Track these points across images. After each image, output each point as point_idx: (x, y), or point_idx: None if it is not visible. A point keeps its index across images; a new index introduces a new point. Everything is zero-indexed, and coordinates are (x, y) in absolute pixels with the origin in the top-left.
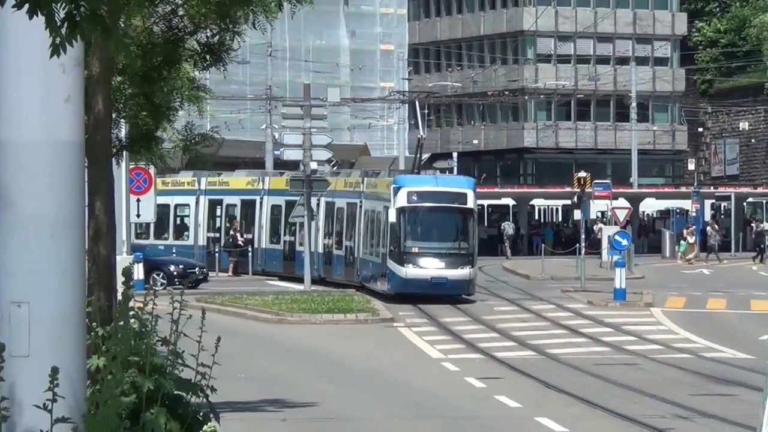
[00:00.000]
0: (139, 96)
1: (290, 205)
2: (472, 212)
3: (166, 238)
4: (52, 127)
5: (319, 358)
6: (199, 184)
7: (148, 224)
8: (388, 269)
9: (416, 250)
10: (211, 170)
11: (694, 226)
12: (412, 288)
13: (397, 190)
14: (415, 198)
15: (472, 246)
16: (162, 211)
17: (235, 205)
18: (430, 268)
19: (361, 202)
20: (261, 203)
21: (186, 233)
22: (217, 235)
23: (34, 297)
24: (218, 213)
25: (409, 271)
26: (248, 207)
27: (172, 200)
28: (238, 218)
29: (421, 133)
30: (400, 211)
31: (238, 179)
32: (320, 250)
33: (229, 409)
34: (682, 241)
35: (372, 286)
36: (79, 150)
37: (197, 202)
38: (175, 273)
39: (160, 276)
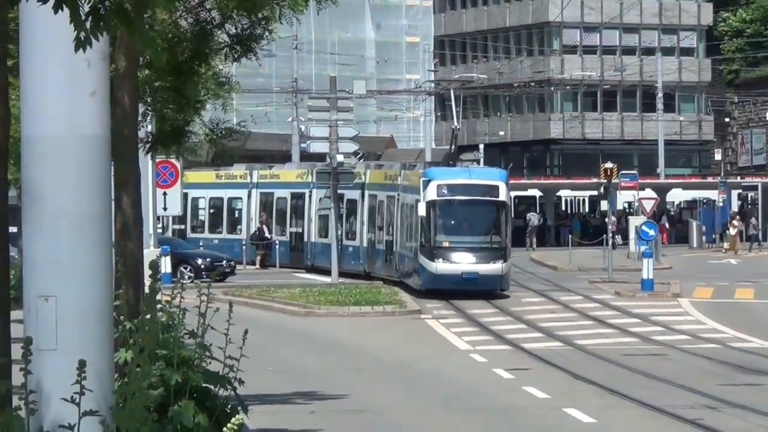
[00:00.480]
0: (168, 90)
1: (340, 198)
2: (505, 205)
3: (220, 232)
4: (78, 122)
5: (346, 350)
6: (251, 177)
7: (203, 218)
8: (419, 264)
9: (446, 244)
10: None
11: (737, 216)
12: (443, 283)
13: (426, 183)
14: (445, 191)
15: (505, 240)
16: (216, 204)
17: (285, 199)
18: (460, 262)
19: (398, 195)
20: (310, 196)
21: (239, 227)
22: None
23: (60, 290)
24: (269, 206)
25: (439, 266)
26: (298, 200)
27: (225, 194)
28: (288, 212)
29: (455, 124)
30: (430, 204)
31: (289, 172)
32: (365, 244)
33: (257, 402)
34: (726, 231)
35: (407, 281)
36: (104, 144)
37: (249, 196)
38: (202, 266)
39: (188, 269)
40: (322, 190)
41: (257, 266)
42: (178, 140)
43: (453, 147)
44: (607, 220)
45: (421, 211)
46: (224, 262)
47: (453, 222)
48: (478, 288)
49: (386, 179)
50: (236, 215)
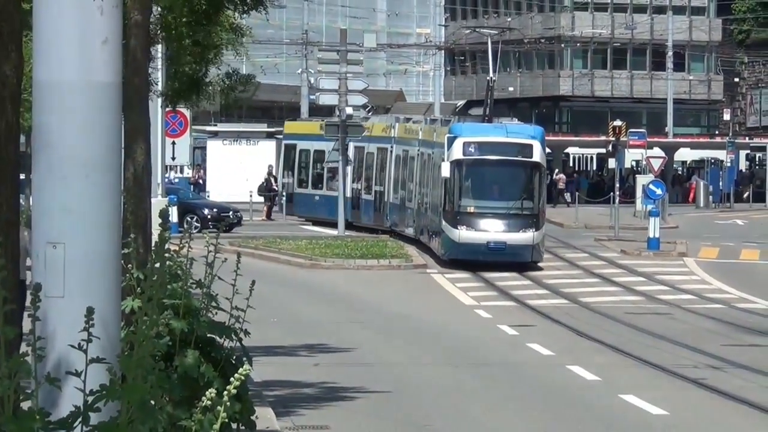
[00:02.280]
0: (188, 37)
1: (372, 152)
2: (539, 167)
3: (320, 188)
4: (89, 69)
5: (351, 303)
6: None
7: (307, 173)
8: (442, 231)
9: (472, 209)
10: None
11: None
12: (467, 253)
13: (452, 141)
14: (472, 150)
15: (538, 206)
16: (319, 158)
17: (373, 154)
18: (487, 230)
19: (424, 152)
20: (391, 152)
21: (336, 183)
22: (357, 186)
23: (69, 238)
24: (360, 162)
25: (462, 234)
26: (383, 155)
27: (327, 147)
28: (375, 169)
29: (491, 75)
30: (455, 164)
31: (378, 125)
32: (393, 200)
33: (261, 353)
34: None
35: (431, 247)
36: (116, 92)
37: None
38: (209, 216)
39: (194, 219)
40: (401, 145)
41: (263, 217)
42: (197, 90)
43: (490, 99)
44: (620, 177)
45: (445, 171)
46: (231, 213)
47: (480, 184)
48: (506, 259)
49: (414, 134)
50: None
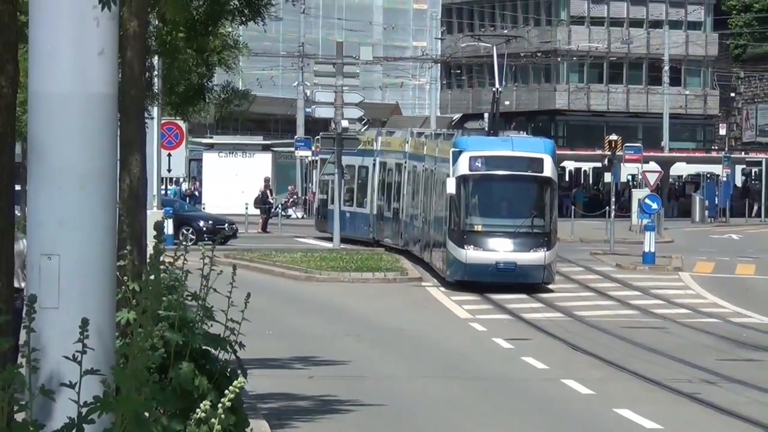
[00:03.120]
0: (188, 50)
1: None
2: (550, 182)
3: (350, 204)
4: (85, 80)
5: (346, 316)
6: (376, 143)
7: (352, 189)
8: (447, 251)
9: (479, 228)
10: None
11: None
12: (474, 274)
13: (457, 155)
14: (479, 164)
15: (550, 224)
16: (350, 173)
17: (392, 169)
18: (495, 250)
19: (430, 168)
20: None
21: (365, 199)
22: (381, 202)
23: (63, 249)
24: (388, 176)
25: (470, 254)
26: (398, 170)
27: (357, 162)
28: (392, 183)
29: (497, 86)
30: (461, 180)
31: (396, 139)
32: (403, 218)
33: (256, 366)
34: None
35: (436, 269)
36: (111, 103)
37: (374, 164)
38: (204, 228)
39: (189, 231)
40: (412, 161)
41: (259, 230)
42: (201, 99)
43: (495, 111)
44: (615, 191)
45: (450, 187)
46: (226, 225)
47: (487, 201)
48: (516, 280)
49: (420, 149)
50: (364, 186)
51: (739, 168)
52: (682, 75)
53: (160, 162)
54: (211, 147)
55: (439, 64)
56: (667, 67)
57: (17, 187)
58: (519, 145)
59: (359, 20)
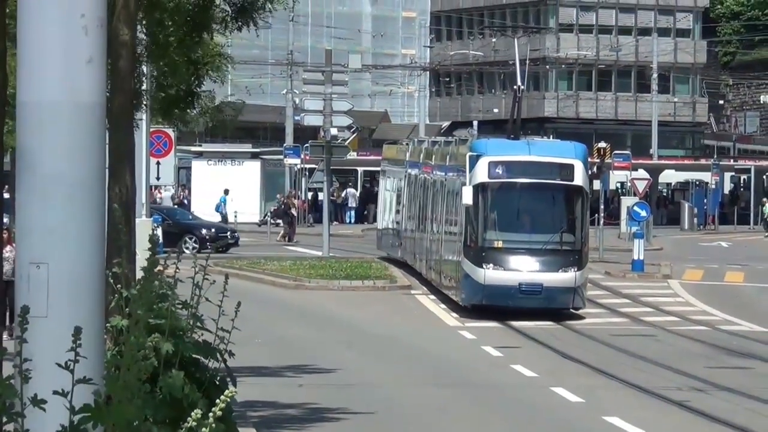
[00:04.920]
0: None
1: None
2: (582, 192)
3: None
4: (74, 89)
5: (336, 324)
6: (407, 153)
7: (387, 204)
8: (462, 271)
9: (499, 244)
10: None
11: None
12: (494, 297)
13: (475, 160)
14: (500, 171)
15: (581, 240)
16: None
17: (401, 180)
18: (518, 270)
19: (443, 176)
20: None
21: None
22: (390, 215)
23: (52, 258)
24: (400, 189)
25: (489, 275)
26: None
27: (405, 173)
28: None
29: (519, 83)
30: (479, 189)
31: (393, 147)
32: (408, 233)
33: (246, 374)
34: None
35: (448, 293)
36: (100, 111)
37: (406, 177)
38: (207, 237)
39: (192, 240)
40: (414, 169)
41: (279, 238)
42: (192, 104)
43: (517, 112)
44: (605, 198)
45: (467, 197)
46: (228, 233)
47: (509, 214)
48: (541, 305)
49: (427, 157)
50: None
51: (728, 175)
52: (671, 82)
53: (149, 170)
54: (200, 155)
55: (428, 72)
56: (655, 75)
57: (6, 196)
58: (546, 149)
59: (348, 28)
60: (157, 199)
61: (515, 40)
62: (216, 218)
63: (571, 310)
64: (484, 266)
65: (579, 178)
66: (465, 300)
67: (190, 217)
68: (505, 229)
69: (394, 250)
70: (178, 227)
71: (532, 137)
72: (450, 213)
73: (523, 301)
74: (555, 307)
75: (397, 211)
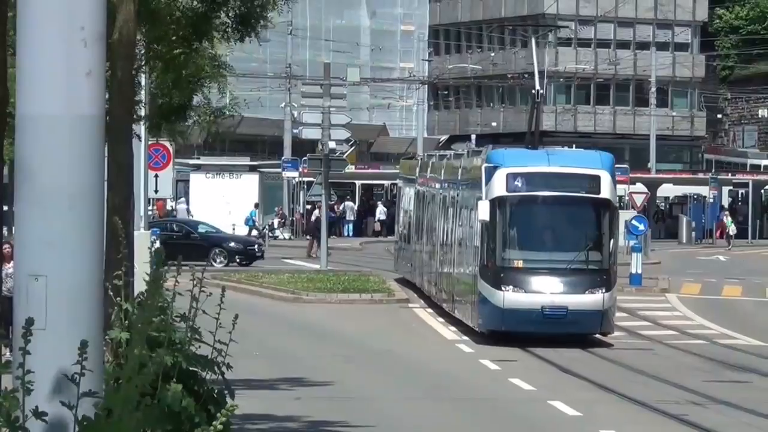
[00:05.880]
0: (170, 69)
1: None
2: (609, 205)
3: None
4: (73, 101)
5: (333, 337)
6: (417, 168)
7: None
8: (478, 293)
9: (520, 264)
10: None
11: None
12: (514, 323)
13: (491, 172)
14: (519, 184)
15: (609, 258)
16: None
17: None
18: (541, 292)
19: (454, 191)
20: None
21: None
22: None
23: (51, 270)
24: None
25: (508, 297)
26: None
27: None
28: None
29: (537, 87)
30: (497, 203)
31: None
32: (421, 254)
33: (243, 387)
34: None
35: (463, 318)
36: (99, 124)
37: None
38: (236, 249)
39: (221, 253)
40: (424, 187)
41: (313, 253)
42: (183, 118)
43: (537, 121)
44: None
45: (483, 213)
46: (255, 246)
47: (530, 230)
48: (566, 330)
49: (436, 172)
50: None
51: (726, 189)
52: (669, 96)
53: (147, 183)
54: (198, 168)
55: (426, 86)
56: (654, 89)
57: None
58: (568, 159)
59: (346, 41)
60: (173, 212)
61: (532, 40)
62: (245, 232)
63: (599, 336)
64: (502, 288)
65: (606, 191)
66: (482, 326)
67: (215, 230)
68: (526, 247)
69: (408, 271)
70: (207, 241)
71: (552, 147)
72: (464, 230)
73: (545, 326)
74: (581, 332)
75: (408, 229)
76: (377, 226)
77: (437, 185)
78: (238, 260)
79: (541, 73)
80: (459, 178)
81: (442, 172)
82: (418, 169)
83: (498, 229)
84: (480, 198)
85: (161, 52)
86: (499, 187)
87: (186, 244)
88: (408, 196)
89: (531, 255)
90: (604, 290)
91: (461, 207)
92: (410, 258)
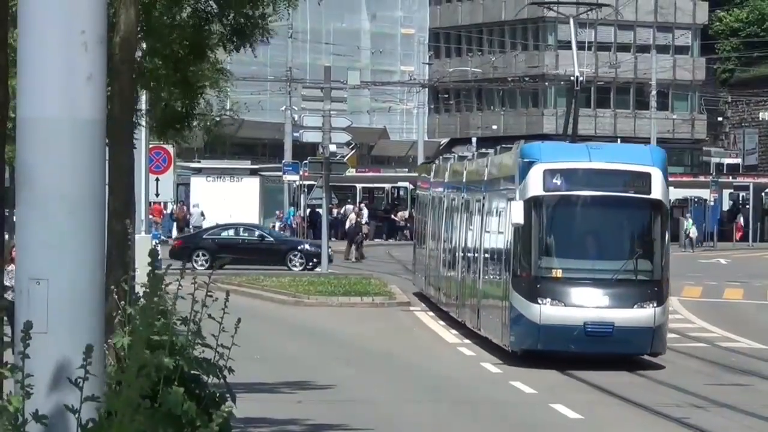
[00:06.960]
0: (173, 76)
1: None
2: (661, 207)
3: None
4: (74, 105)
5: (335, 340)
6: (431, 173)
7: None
8: (511, 307)
9: (558, 273)
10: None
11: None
12: (552, 341)
13: (526, 168)
14: (559, 182)
15: (661, 268)
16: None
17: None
18: (583, 305)
19: (479, 194)
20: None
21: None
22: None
23: (52, 274)
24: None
25: (545, 312)
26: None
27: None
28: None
29: (577, 74)
30: (532, 204)
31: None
32: (442, 266)
33: (244, 390)
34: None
35: (491, 336)
36: (100, 128)
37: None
38: (312, 253)
39: (297, 256)
40: (449, 190)
41: (353, 258)
42: (188, 124)
43: (574, 114)
44: None
45: (516, 215)
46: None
47: (571, 235)
48: (612, 350)
49: (458, 175)
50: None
51: (726, 192)
52: (670, 99)
53: (148, 186)
54: (198, 171)
55: (426, 89)
56: (654, 92)
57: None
58: (614, 154)
59: (347, 45)
60: (188, 217)
61: (570, 21)
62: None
63: (648, 356)
64: (539, 301)
65: (657, 190)
66: (515, 344)
67: (288, 235)
68: (566, 254)
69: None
70: (285, 244)
71: (591, 142)
72: (493, 236)
73: (588, 345)
74: (629, 353)
75: (425, 238)
76: (365, 229)
77: (460, 189)
78: (312, 263)
79: (541, 76)
80: (485, 178)
81: (465, 174)
82: (434, 173)
83: (534, 234)
84: (512, 199)
85: (160, 63)
86: (535, 185)
87: (261, 248)
88: (426, 202)
89: (572, 263)
90: (655, 304)
91: (489, 211)
92: (429, 268)
